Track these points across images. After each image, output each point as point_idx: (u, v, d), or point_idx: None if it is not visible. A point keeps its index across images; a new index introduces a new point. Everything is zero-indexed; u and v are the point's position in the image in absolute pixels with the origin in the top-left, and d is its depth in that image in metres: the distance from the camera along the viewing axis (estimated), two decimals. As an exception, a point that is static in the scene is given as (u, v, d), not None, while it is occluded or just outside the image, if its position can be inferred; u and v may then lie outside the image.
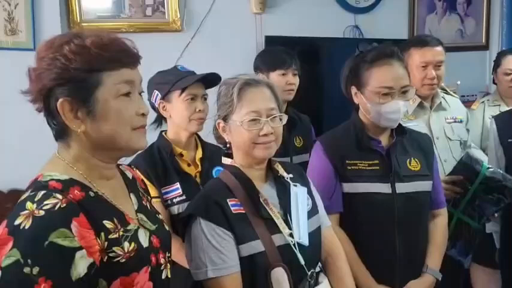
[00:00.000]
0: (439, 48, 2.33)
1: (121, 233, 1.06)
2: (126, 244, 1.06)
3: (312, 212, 1.54)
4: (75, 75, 1.03)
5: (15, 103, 2.72)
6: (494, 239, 2.28)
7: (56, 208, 0.97)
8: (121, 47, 1.09)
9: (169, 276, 1.20)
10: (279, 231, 1.41)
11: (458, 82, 3.44)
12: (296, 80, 2.45)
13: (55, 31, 2.83)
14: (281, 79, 2.40)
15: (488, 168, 2.03)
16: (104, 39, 1.07)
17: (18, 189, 2.75)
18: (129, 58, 1.10)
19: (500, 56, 3.01)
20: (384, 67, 1.75)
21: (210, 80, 1.90)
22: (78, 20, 3.02)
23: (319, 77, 3.39)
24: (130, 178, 1.29)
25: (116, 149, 1.12)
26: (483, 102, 3.01)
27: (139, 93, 1.15)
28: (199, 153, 1.98)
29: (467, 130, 2.50)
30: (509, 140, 2.13)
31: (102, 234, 1.02)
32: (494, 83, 3.13)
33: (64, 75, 1.03)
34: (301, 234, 1.43)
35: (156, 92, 1.93)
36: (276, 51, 2.51)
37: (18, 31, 2.78)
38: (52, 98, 1.05)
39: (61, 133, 1.10)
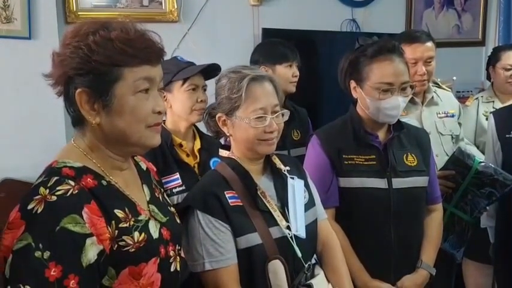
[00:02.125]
0: (429, 44, 2.31)
1: (131, 222, 1.07)
2: (136, 234, 1.06)
3: (309, 204, 1.55)
4: (96, 67, 1.02)
5: (9, 91, 2.73)
6: (488, 233, 2.30)
7: (68, 194, 0.98)
8: (146, 44, 1.08)
9: (178, 269, 1.20)
10: (276, 224, 1.42)
11: (454, 78, 3.44)
12: (298, 72, 2.47)
13: (50, 20, 2.83)
14: (287, 71, 2.41)
15: (480, 162, 2.05)
16: (131, 33, 1.06)
17: (11, 179, 2.73)
18: (153, 55, 1.09)
19: (499, 51, 3.00)
20: (385, 62, 1.74)
21: (210, 70, 1.90)
22: (74, 9, 2.99)
23: (316, 70, 3.38)
24: (144, 169, 1.29)
25: (128, 145, 1.12)
26: (477, 98, 3.00)
27: (159, 90, 1.14)
28: (197, 144, 1.98)
29: (459, 124, 2.50)
30: (507, 136, 2.14)
31: (113, 222, 1.03)
32: (487, 78, 3.13)
33: (85, 66, 1.03)
34: (298, 226, 1.43)
35: None
36: (278, 44, 2.51)
37: (14, 19, 2.75)
38: (71, 86, 1.05)
39: (77, 121, 1.10)
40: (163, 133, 1.90)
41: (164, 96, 1.92)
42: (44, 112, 2.62)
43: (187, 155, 1.94)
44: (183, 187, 1.85)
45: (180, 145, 1.93)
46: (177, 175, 1.86)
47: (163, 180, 1.83)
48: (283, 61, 2.42)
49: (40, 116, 2.73)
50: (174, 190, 1.85)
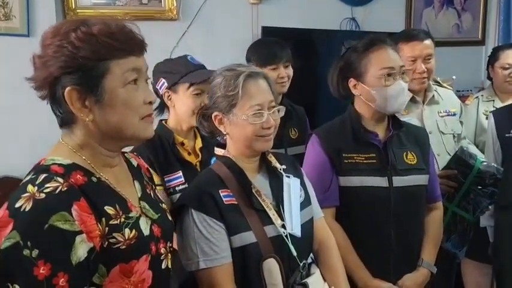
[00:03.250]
0: (428, 42, 2.32)
1: (122, 219, 1.06)
2: (126, 231, 1.06)
3: (305, 203, 1.54)
4: (83, 63, 1.02)
5: (8, 89, 2.73)
6: (487, 233, 2.29)
7: (57, 191, 0.97)
8: (128, 35, 1.08)
9: (169, 266, 1.20)
10: (272, 223, 1.41)
11: (454, 77, 3.44)
12: (288, 71, 2.42)
13: (50, 17, 2.83)
14: (272, 73, 2.35)
15: (483, 162, 2.05)
16: (112, 27, 1.05)
17: (9, 176, 2.74)
18: (136, 46, 1.09)
19: (498, 50, 3.01)
20: (380, 51, 1.77)
21: None
22: (73, 7, 2.99)
23: (315, 69, 3.38)
24: (135, 166, 1.28)
25: (123, 139, 1.11)
26: (477, 97, 3.01)
27: (146, 81, 1.14)
28: (198, 143, 1.99)
29: (461, 122, 2.49)
30: (507, 135, 2.14)
31: (103, 219, 1.02)
32: (488, 78, 3.13)
33: (72, 64, 1.02)
34: (293, 225, 1.43)
35: (163, 80, 1.92)
36: (267, 45, 2.48)
37: (12, 16, 2.75)
38: (58, 86, 1.04)
39: (67, 121, 1.09)
40: (165, 132, 1.92)
41: (169, 96, 1.92)
42: (42, 110, 2.60)
43: (189, 154, 1.95)
44: (186, 185, 1.84)
45: (182, 144, 1.94)
46: (180, 173, 1.87)
47: (166, 178, 1.85)
48: (267, 64, 2.37)
49: (38, 114, 2.71)
50: (177, 188, 1.86)
